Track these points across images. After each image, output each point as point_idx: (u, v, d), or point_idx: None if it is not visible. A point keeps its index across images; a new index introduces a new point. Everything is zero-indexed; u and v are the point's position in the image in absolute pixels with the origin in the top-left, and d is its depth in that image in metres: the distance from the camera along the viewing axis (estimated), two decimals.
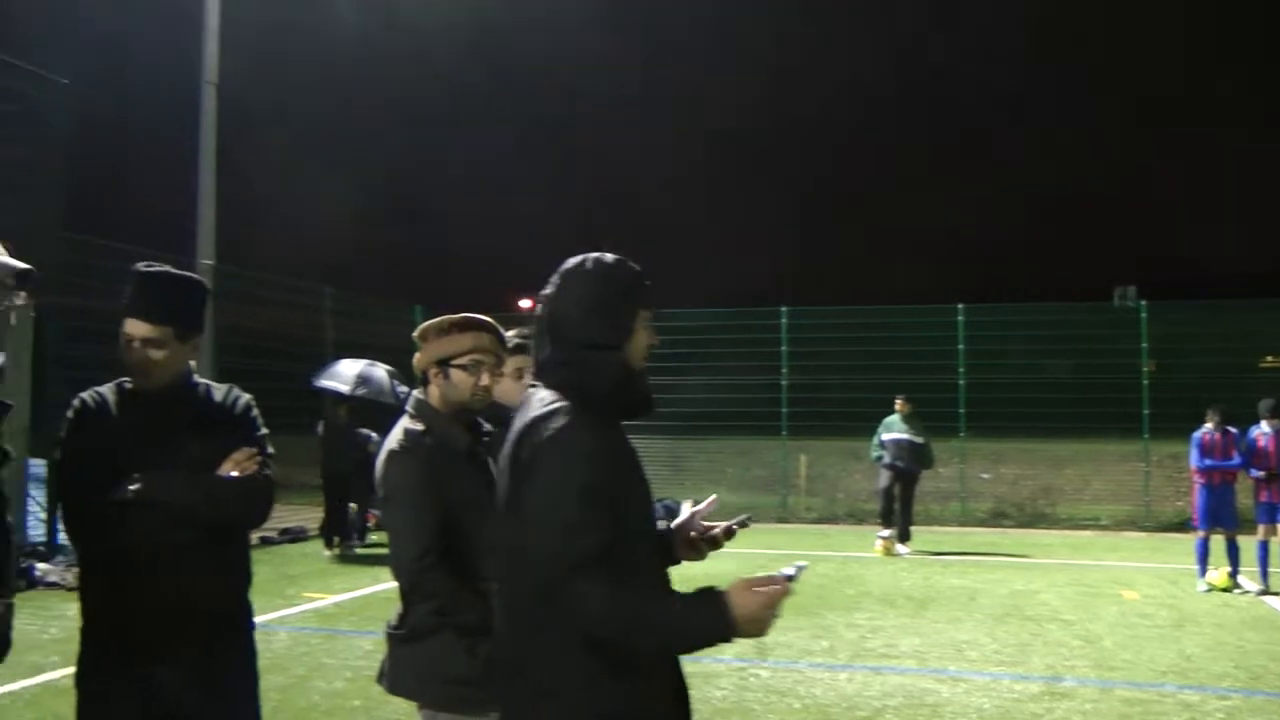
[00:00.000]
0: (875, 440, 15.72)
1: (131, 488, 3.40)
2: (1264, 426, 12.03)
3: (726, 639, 2.61)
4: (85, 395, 3.65)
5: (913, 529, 16.00)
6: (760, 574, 2.70)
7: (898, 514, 15.61)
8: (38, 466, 14.50)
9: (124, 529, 3.42)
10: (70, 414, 3.62)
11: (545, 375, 2.84)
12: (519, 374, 4.25)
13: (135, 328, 3.56)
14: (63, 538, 13.37)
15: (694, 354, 20.74)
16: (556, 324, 2.84)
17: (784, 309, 20.68)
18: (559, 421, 2.68)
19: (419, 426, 3.86)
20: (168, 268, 3.70)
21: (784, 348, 20.64)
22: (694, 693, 7.84)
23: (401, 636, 3.82)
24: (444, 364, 3.87)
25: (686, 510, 3.28)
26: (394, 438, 3.88)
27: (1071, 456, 22.96)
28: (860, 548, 15.58)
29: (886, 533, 15.45)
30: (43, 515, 13.76)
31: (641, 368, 2.87)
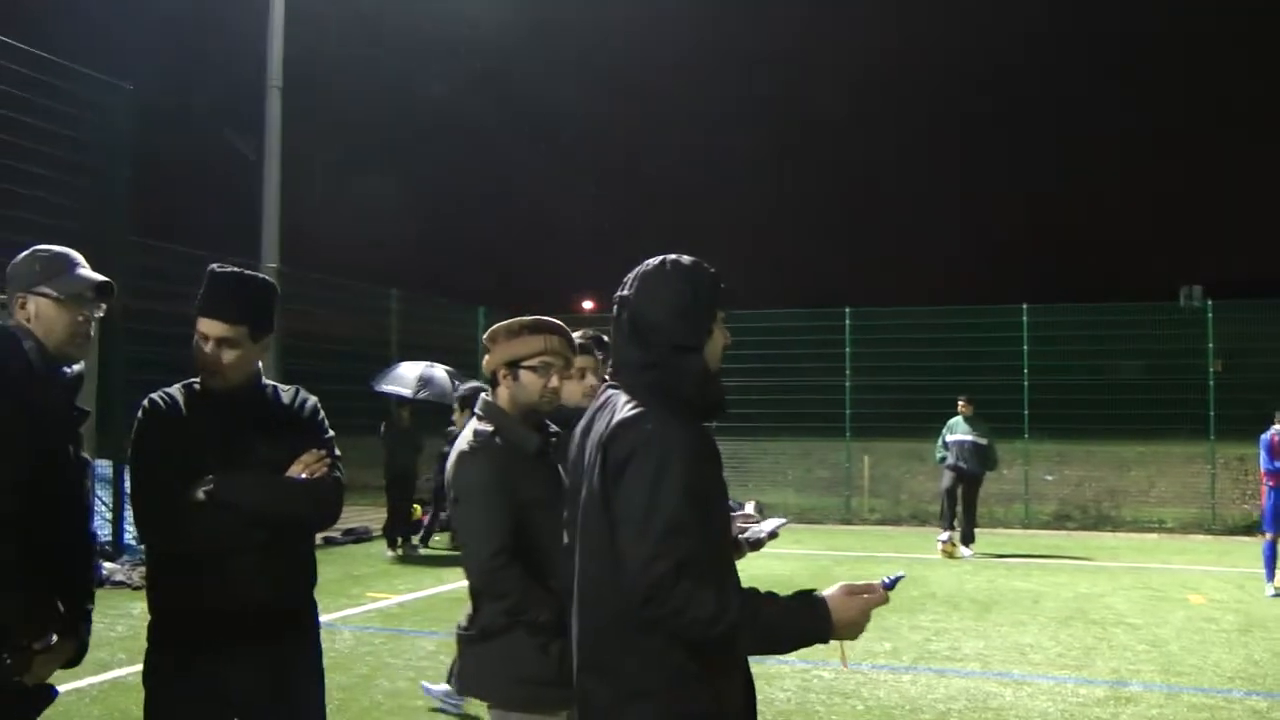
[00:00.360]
0: (940, 441, 15.72)
1: (203, 489, 3.44)
2: None
3: (824, 640, 2.72)
4: (155, 396, 3.66)
5: (977, 531, 15.97)
6: (860, 581, 2.82)
7: (961, 516, 15.58)
8: (103, 467, 14.83)
9: (195, 530, 3.46)
10: (141, 415, 3.63)
11: (628, 377, 2.88)
12: (580, 374, 4.33)
13: (209, 327, 3.58)
14: (129, 537, 13.69)
15: (758, 355, 20.80)
16: (640, 326, 2.86)
17: (848, 310, 20.69)
18: (655, 423, 2.72)
19: (488, 427, 3.88)
20: (239, 268, 3.75)
21: (848, 349, 20.65)
22: (758, 694, 7.93)
23: (472, 636, 3.85)
24: (514, 366, 3.90)
25: (750, 508, 3.33)
26: (464, 438, 3.93)
27: (1136, 458, 22.79)
28: (924, 549, 15.59)
29: (946, 535, 15.44)
30: (108, 515, 14.06)
31: (718, 368, 2.93)
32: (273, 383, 3.83)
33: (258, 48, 17.13)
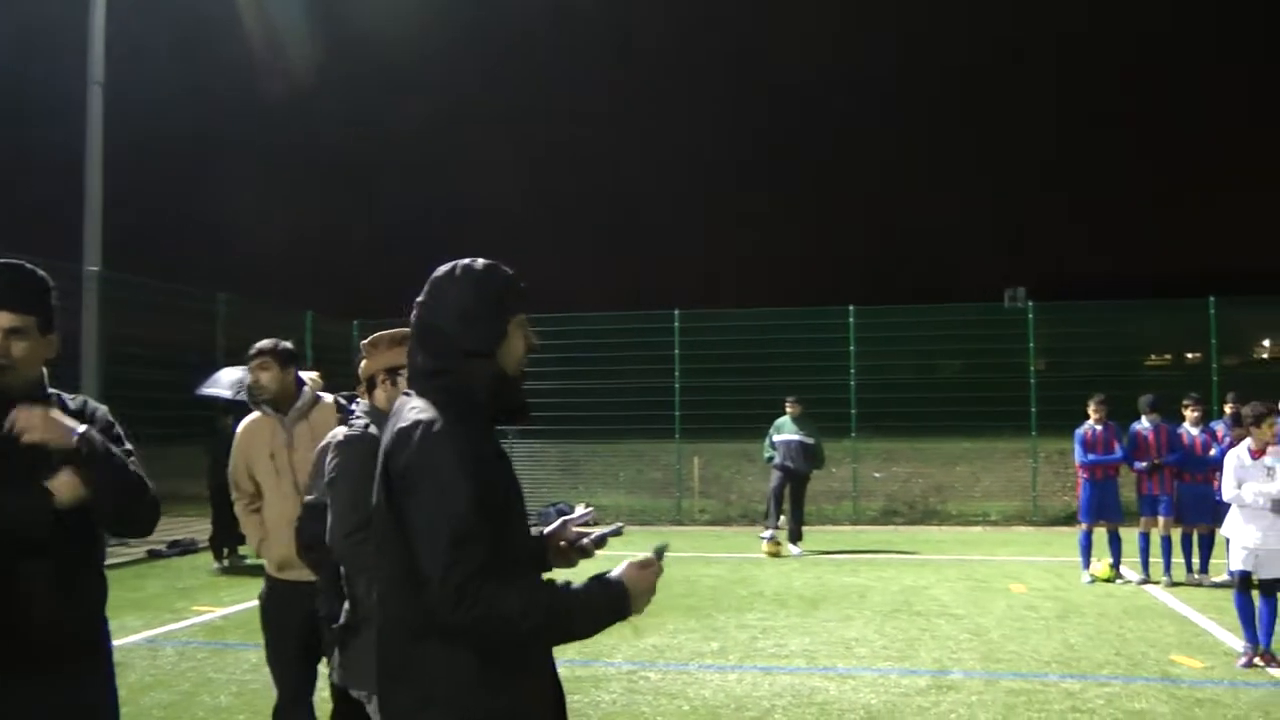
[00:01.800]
0: (767, 441, 15.74)
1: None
2: (1145, 421, 12.31)
3: (624, 617, 2.76)
4: None
5: (806, 529, 16.05)
6: (638, 555, 2.84)
7: (788, 514, 15.61)
8: None
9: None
10: None
11: (420, 384, 2.83)
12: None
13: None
14: None
15: (587, 357, 20.67)
16: (429, 333, 2.85)
17: (676, 312, 20.66)
18: (434, 431, 2.67)
19: (364, 420, 4.34)
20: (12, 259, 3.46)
21: (676, 350, 20.61)
22: (582, 697, 7.78)
23: (347, 627, 4.13)
24: (393, 372, 4.21)
25: (580, 513, 3.33)
26: (341, 430, 4.45)
27: (962, 455, 23.26)
28: (754, 549, 15.54)
29: (768, 533, 15.42)
30: None
31: (518, 373, 2.89)
32: (57, 391, 3.54)
33: (79, 44, 16.49)
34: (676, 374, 20.63)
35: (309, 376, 5.86)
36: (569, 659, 8.94)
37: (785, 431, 15.50)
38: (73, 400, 3.55)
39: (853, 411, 20.10)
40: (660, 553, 2.89)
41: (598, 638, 8.74)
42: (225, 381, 15.16)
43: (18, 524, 3.22)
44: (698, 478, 21.49)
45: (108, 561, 12.59)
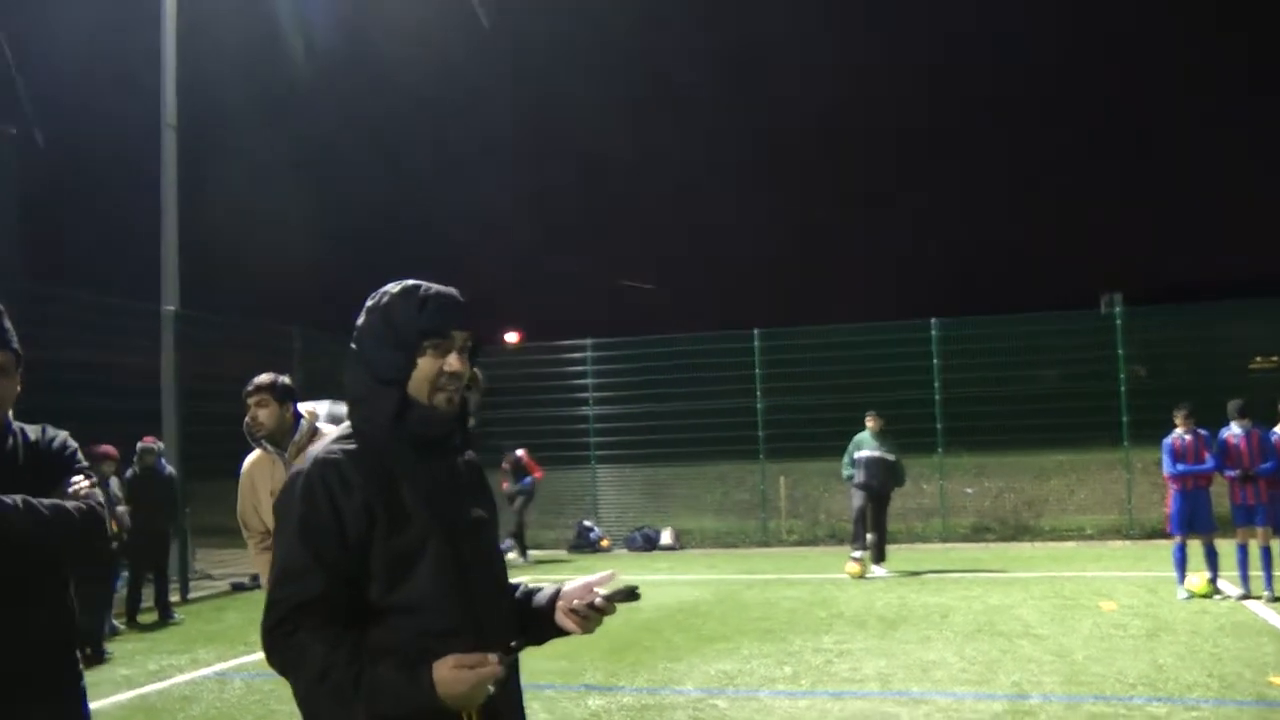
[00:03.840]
0: (846, 459, 15.44)
1: None
2: (1234, 427, 11.83)
3: (432, 709, 2.45)
4: None
5: (892, 547, 15.71)
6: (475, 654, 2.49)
7: (871, 533, 15.27)
8: None
9: None
10: None
11: (350, 411, 2.75)
12: None
13: None
14: None
15: (669, 379, 20.59)
16: (350, 361, 2.76)
17: (756, 331, 20.48)
18: (305, 465, 2.62)
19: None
20: None
21: (757, 370, 20.42)
22: None
23: None
24: None
25: (599, 576, 3.01)
26: None
27: (1056, 468, 22.66)
28: (838, 569, 15.28)
29: (859, 554, 15.10)
30: None
31: (434, 400, 2.70)
32: (20, 424, 3.52)
33: (152, 87, 16.75)
34: (758, 394, 20.43)
35: (307, 410, 5.81)
36: (638, 686, 8.79)
37: (865, 448, 15.18)
38: (33, 430, 3.53)
39: (938, 426, 19.73)
40: (512, 651, 2.59)
41: (668, 663, 8.56)
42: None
43: None
44: (784, 498, 21.21)
45: (191, 595, 12.68)
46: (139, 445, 13.30)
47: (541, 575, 16.90)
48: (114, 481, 12.46)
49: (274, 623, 2.49)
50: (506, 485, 19.02)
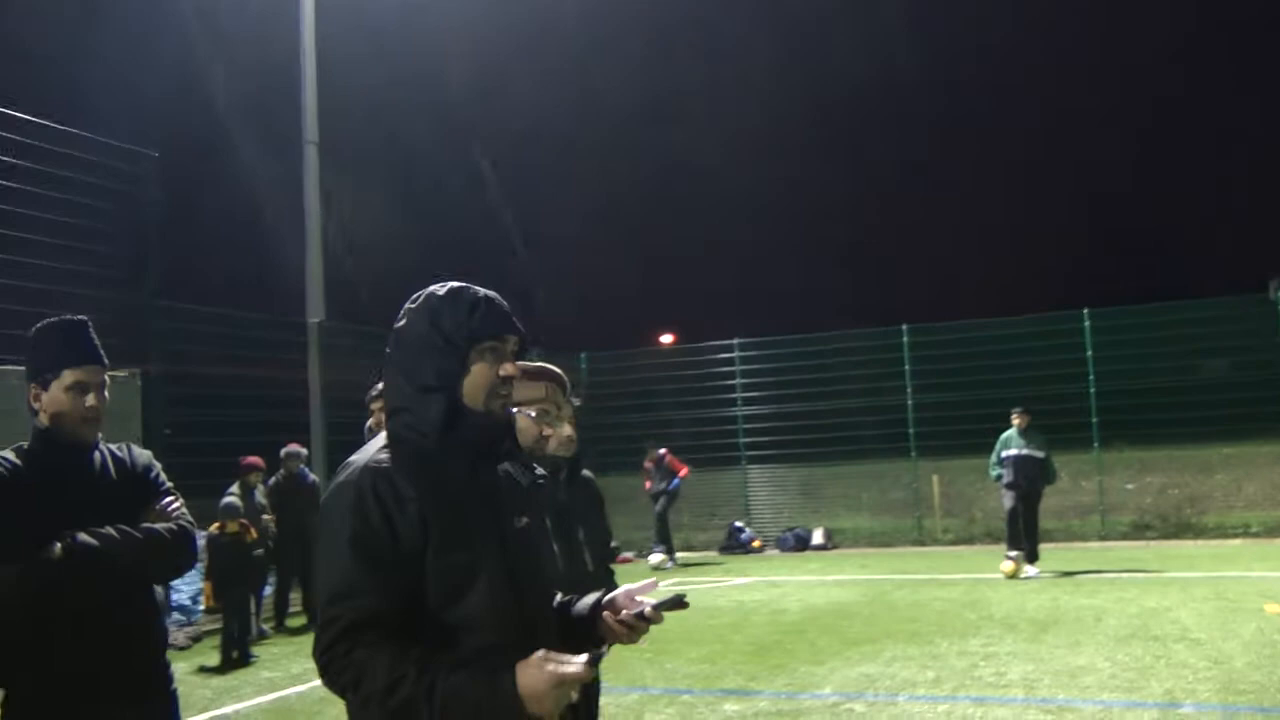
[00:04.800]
0: (993, 458, 15.09)
1: (57, 544, 3.33)
2: None
3: (511, 716, 2.39)
4: None
5: (1049, 546, 15.33)
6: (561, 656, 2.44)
7: (1023, 533, 14.89)
8: None
9: (58, 588, 3.35)
10: None
11: (389, 421, 2.68)
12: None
13: (91, 374, 3.55)
14: (183, 597, 13.63)
15: (816, 379, 20.46)
16: (388, 368, 2.69)
17: (905, 327, 20.22)
18: (345, 476, 2.55)
19: None
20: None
21: (906, 366, 20.16)
22: None
23: None
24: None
25: (642, 584, 2.98)
26: None
27: (1221, 461, 21.87)
28: (993, 569, 14.97)
29: (1014, 554, 14.75)
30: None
31: (486, 406, 2.67)
32: (109, 445, 3.72)
33: (293, 101, 17.21)
34: (908, 390, 20.16)
35: None
36: (776, 690, 8.76)
37: (1012, 446, 14.79)
38: (119, 448, 3.71)
39: (1093, 420, 19.18)
40: (597, 659, 2.42)
41: (809, 666, 8.46)
42: None
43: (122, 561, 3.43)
44: (938, 496, 20.87)
45: None
46: (283, 451, 13.64)
47: (689, 578, 16.94)
48: (259, 490, 12.84)
49: (330, 642, 2.41)
50: (649, 485, 19.09)
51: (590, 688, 2.75)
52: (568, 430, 4.22)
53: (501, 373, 2.67)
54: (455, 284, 2.71)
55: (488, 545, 2.60)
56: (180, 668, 11.46)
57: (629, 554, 20.26)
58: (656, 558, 18.75)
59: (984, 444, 16.01)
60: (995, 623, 11.23)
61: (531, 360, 4.04)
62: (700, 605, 13.87)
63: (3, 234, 12.18)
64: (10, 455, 3.53)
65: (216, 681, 10.50)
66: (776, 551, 20.42)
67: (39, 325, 3.62)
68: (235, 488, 12.43)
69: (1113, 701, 7.93)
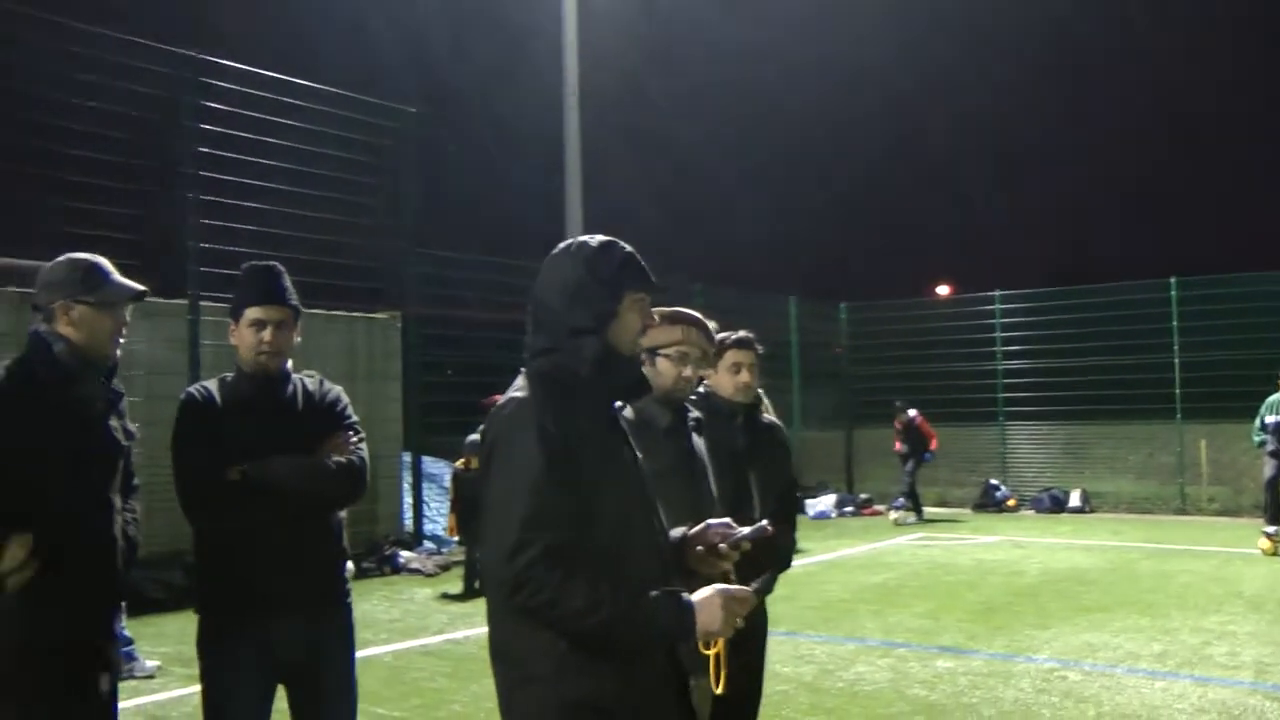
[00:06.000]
0: (1256, 424, 14.03)
1: (238, 470, 3.69)
2: None
3: (687, 638, 2.68)
4: (191, 389, 3.96)
5: None
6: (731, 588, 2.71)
7: None
8: (433, 463, 15.57)
9: (237, 507, 3.73)
10: (179, 407, 3.90)
11: (530, 362, 2.83)
12: (736, 369, 4.49)
13: (267, 313, 3.89)
14: (437, 528, 14.28)
15: (1077, 334, 19.60)
16: (539, 310, 2.85)
17: (1173, 280, 19.08)
18: (517, 408, 2.70)
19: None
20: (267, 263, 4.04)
21: (1174, 323, 19.03)
22: (984, 693, 7.39)
23: None
24: (653, 352, 3.99)
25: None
26: None
27: None
28: (1255, 544, 14.04)
29: (1271, 529, 13.72)
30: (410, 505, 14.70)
31: (631, 350, 2.87)
32: (298, 374, 4.06)
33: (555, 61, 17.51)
34: (1175, 348, 19.06)
35: None
36: (993, 651, 8.54)
37: (1276, 411, 13.79)
38: (310, 381, 4.06)
39: None
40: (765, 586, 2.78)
41: (1032, 630, 8.16)
42: None
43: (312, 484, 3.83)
44: (1205, 462, 19.69)
45: None
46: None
47: (934, 534, 16.66)
48: None
49: (526, 564, 2.54)
50: (900, 446, 18.74)
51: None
52: (746, 376, 4.44)
53: (648, 322, 2.90)
54: (605, 238, 2.90)
55: (641, 479, 2.86)
56: (425, 593, 12.18)
57: (880, 507, 20.07)
58: (896, 514, 18.49)
59: (1256, 409, 15.02)
60: (1241, 601, 10.56)
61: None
62: (939, 562, 13.62)
63: (279, 189, 13.03)
64: (210, 384, 3.96)
65: (454, 608, 11.00)
66: (1031, 512, 19.78)
67: (241, 270, 4.05)
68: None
69: None
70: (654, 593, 2.62)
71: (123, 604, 3.83)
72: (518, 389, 2.76)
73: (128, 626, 8.30)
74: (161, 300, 11.99)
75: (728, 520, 3.01)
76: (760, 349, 4.59)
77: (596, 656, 2.64)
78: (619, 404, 2.99)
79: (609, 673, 2.66)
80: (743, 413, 4.51)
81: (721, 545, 2.91)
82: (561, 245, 2.90)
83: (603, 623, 2.55)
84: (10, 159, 11.27)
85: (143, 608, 8.81)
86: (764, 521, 3.03)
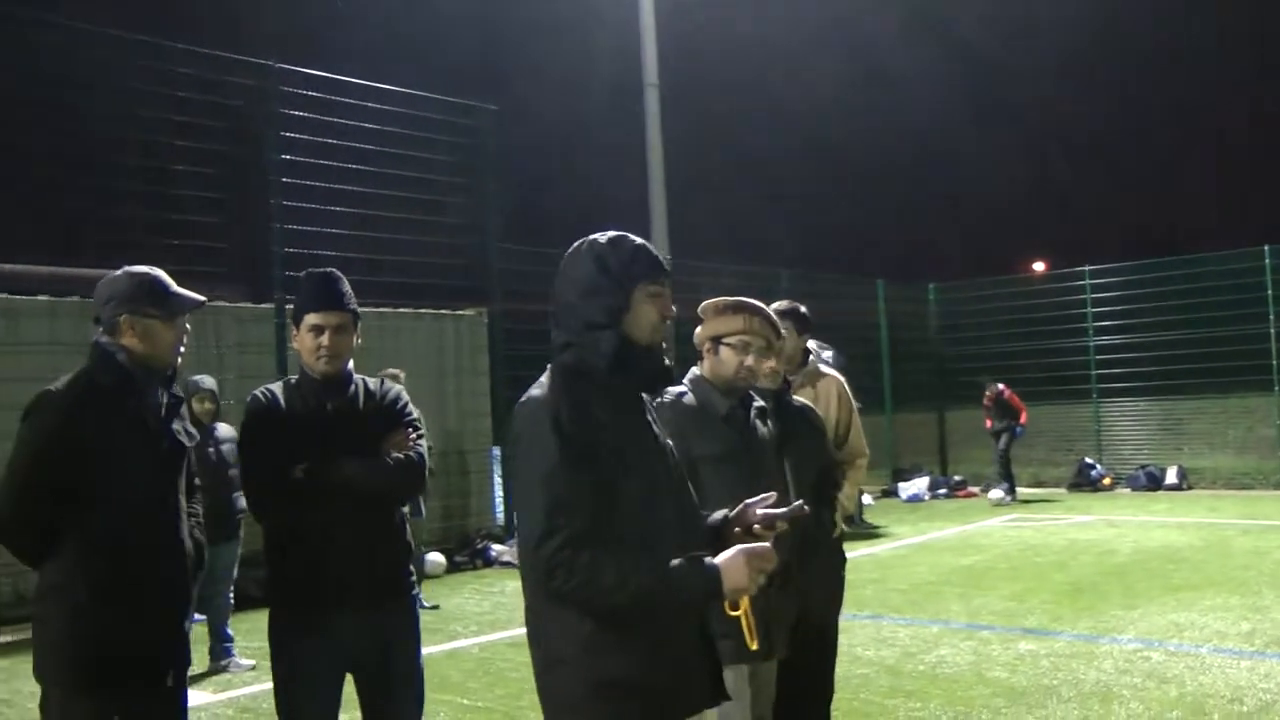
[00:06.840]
0: None
1: (302, 469, 3.85)
2: None
3: (716, 596, 2.74)
4: (257, 391, 4.14)
5: None
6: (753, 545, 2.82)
7: None
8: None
9: (302, 504, 3.89)
10: (247, 408, 4.09)
11: (555, 357, 2.96)
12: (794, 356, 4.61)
13: (326, 319, 4.02)
14: None
15: (1171, 306, 19.21)
16: (558, 307, 2.97)
17: (1266, 249, 18.63)
18: (537, 402, 2.83)
19: (682, 387, 4.17)
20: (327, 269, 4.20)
21: (1269, 291, 18.59)
22: (1065, 675, 7.41)
23: None
24: (716, 341, 4.12)
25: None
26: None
27: None
28: None
29: None
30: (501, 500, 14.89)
31: (651, 340, 2.94)
32: (361, 376, 4.21)
33: (634, 49, 17.57)
34: (1271, 317, 18.62)
35: (814, 345, 5.71)
36: (1077, 632, 8.49)
37: None
38: (372, 382, 4.22)
39: None
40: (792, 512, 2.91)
41: (1119, 610, 8.04)
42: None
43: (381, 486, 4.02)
44: None
45: None
46: None
47: (1028, 515, 16.52)
48: None
49: (558, 547, 2.66)
50: (990, 423, 18.58)
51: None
52: (772, 361, 4.36)
53: (665, 314, 2.94)
54: (613, 232, 2.99)
55: (666, 466, 2.97)
56: (515, 586, 12.07)
57: (975, 489, 19.91)
58: (996, 494, 18.32)
59: None
60: None
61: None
62: (1030, 543, 13.52)
63: (363, 191, 13.31)
64: (275, 387, 4.14)
65: None
66: (1127, 490, 19.48)
67: (302, 276, 4.27)
68: None
69: None
70: (677, 560, 2.72)
71: (191, 601, 3.96)
72: (540, 384, 2.89)
73: (229, 624, 8.64)
74: (251, 305, 12.37)
75: (766, 499, 3.08)
76: (785, 335, 4.51)
77: (625, 636, 2.75)
78: (647, 396, 3.10)
79: (637, 651, 2.76)
80: (772, 398, 4.45)
81: (756, 526, 2.99)
82: (576, 243, 3.00)
83: (633, 595, 2.66)
84: (102, 174, 11.63)
85: (241, 605, 9.06)
86: (799, 501, 3.10)
